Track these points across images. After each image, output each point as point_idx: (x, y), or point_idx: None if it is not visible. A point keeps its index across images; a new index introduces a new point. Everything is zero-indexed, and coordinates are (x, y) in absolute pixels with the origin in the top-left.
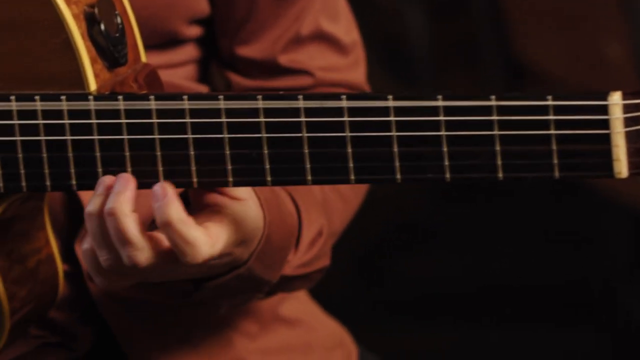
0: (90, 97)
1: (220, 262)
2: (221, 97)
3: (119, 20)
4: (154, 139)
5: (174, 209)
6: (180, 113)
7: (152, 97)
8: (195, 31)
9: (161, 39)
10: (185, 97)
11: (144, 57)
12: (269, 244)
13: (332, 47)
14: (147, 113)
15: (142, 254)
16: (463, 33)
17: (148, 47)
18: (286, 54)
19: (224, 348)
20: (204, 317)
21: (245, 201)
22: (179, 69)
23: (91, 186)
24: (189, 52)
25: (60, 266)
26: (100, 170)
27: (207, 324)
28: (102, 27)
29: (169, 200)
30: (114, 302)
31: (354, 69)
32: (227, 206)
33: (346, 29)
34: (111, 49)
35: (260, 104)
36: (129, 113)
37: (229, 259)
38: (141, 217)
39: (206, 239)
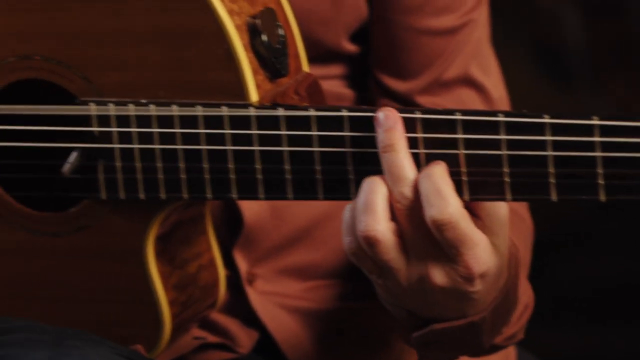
0: (251, 108)
1: (468, 290)
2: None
3: (281, 31)
4: (312, 151)
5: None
6: (339, 125)
7: (312, 109)
8: (351, 47)
9: (316, 52)
10: (344, 110)
11: (305, 67)
12: (504, 302)
13: (480, 96)
14: (306, 125)
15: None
16: (620, 34)
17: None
18: (425, 96)
19: (385, 348)
20: (364, 321)
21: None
22: (332, 80)
23: (251, 197)
24: (343, 66)
25: (222, 271)
26: (260, 177)
27: (367, 327)
28: (264, 38)
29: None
30: (274, 308)
31: None
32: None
33: (495, 83)
34: (273, 60)
35: (418, 114)
36: (290, 125)
37: (471, 291)
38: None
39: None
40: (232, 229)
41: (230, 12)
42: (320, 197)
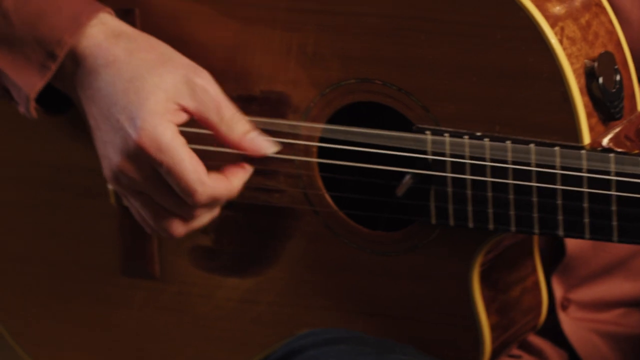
0: (584, 151)
1: None
2: None
3: (617, 76)
4: None
5: None
6: None
7: None
8: None
9: None
10: None
11: None
12: None
13: None
14: (637, 172)
15: None
16: None
17: None
18: None
19: None
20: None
21: None
22: None
23: (577, 236)
24: None
25: (545, 295)
26: (587, 220)
27: None
28: (601, 82)
29: None
30: (586, 334)
31: None
32: None
33: None
34: (607, 105)
35: None
36: (619, 171)
37: None
38: None
39: None
40: (552, 255)
41: (569, 56)
42: None
